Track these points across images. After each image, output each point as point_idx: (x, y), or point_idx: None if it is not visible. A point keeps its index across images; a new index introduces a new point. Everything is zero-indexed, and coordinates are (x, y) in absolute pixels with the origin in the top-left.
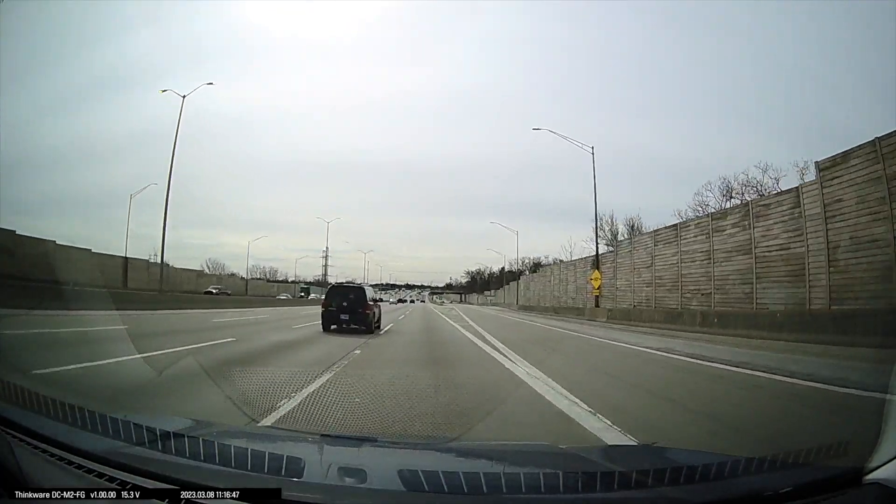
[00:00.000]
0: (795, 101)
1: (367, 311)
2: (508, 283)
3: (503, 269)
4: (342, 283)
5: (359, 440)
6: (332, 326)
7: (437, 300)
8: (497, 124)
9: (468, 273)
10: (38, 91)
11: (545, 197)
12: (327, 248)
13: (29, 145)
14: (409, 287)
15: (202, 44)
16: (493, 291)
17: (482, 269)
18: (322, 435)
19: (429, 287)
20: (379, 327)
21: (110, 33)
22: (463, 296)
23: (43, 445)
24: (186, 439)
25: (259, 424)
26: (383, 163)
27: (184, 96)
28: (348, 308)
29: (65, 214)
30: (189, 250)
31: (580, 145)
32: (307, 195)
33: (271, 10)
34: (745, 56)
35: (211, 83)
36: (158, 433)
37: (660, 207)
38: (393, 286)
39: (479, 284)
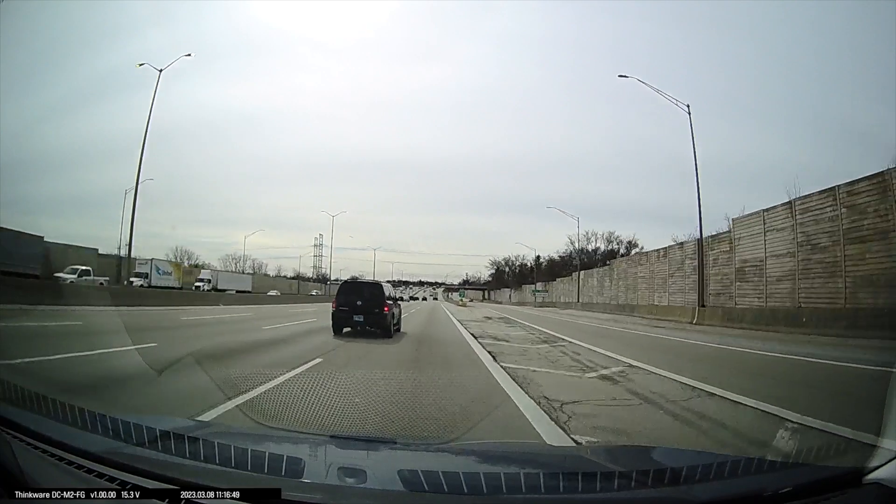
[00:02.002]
0: None
1: (386, 312)
2: (607, 263)
3: (538, 258)
4: (355, 278)
5: (359, 440)
6: (345, 329)
7: (459, 298)
8: (512, 122)
9: (493, 264)
10: (40, 93)
11: (560, 194)
12: (320, 236)
13: (32, 147)
14: (421, 284)
15: (212, 43)
16: (543, 285)
17: (511, 259)
18: (322, 435)
19: (443, 284)
20: (399, 330)
21: (119, 33)
22: (487, 292)
23: (43, 445)
24: (186, 439)
25: (260, 424)
26: (394, 160)
27: (160, 70)
28: (363, 308)
29: (70, 214)
30: (196, 248)
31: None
32: (317, 193)
33: (284, 9)
34: (754, 54)
35: (189, 55)
36: (158, 433)
37: (666, 206)
38: (406, 283)
39: (514, 278)
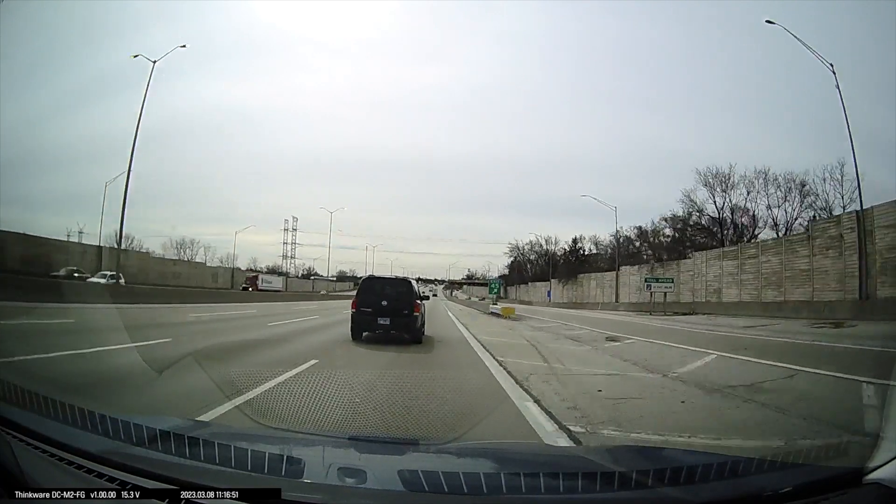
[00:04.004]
0: None
1: (417, 313)
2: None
3: (573, 243)
4: (377, 275)
5: (359, 441)
6: (365, 333)
7: (489, 300)
8: (514, 121)
9: (512, 250)
10: (41, 92)
11: (563, 194)
12: (295, 218)
13: (33, 144)
14: (419, 280)
15: (214, 42)
16: (647, 268)
17: (539, 242)
18: (322, 435)
19: (444, 280)
20: (424, 333)
21: (122, 31)
22: (503, 289)
23: (43, 445)
24: (186, 439)
25: (260, 424)
26: (394, 160)
27: (154, 62)
28: (389, 308)
29: (71, 211)
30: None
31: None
32: (317, 192)
33: (286, 9)
34: (750, 54)
35: (184, 46)
36: (158, 433)
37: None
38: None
39: (543, 269)
